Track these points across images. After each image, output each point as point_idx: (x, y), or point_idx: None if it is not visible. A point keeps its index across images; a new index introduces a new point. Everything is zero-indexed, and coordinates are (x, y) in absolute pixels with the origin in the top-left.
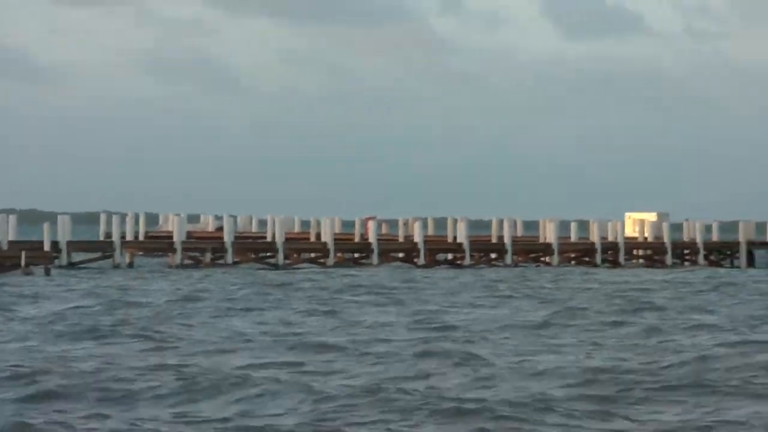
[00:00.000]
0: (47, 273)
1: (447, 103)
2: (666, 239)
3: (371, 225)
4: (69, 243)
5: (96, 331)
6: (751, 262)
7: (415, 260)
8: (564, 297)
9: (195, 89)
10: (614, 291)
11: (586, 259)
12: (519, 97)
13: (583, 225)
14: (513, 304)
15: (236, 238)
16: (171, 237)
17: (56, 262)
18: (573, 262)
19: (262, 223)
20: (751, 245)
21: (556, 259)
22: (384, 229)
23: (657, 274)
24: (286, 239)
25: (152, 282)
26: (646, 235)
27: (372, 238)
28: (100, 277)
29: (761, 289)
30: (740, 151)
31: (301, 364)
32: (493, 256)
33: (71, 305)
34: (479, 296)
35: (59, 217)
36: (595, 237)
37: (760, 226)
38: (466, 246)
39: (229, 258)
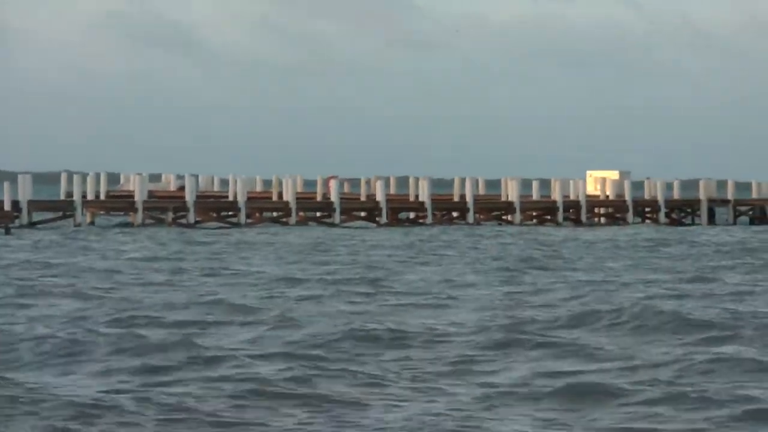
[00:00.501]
0: (7, 232)
1: (413, 64)
2: (627, 197)
3: (333, 184)
4: (30, 202)
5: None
6: (711, 219)
7: (377, 219)
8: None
9: (158, 50)
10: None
11: (548, 217)
12: (482, 58)
13: (545, 183)
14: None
15: (198, 197)
16: (132, 196)
17: (17, 221)
18: (535, 221)
19: (224, 182)
20: (712, 203)
21: (518, 217)
22: (346, 188)
23: (602, 232)
24: (248, 198)
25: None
26: (607, 193)
27: (334, 197)
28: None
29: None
30: (701, 110)
31: None
32: (455, 214)
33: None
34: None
35: (20, 176)
36: (557, 195)
37: (721, 184)
38: (428, 205)
39: (191, 217)
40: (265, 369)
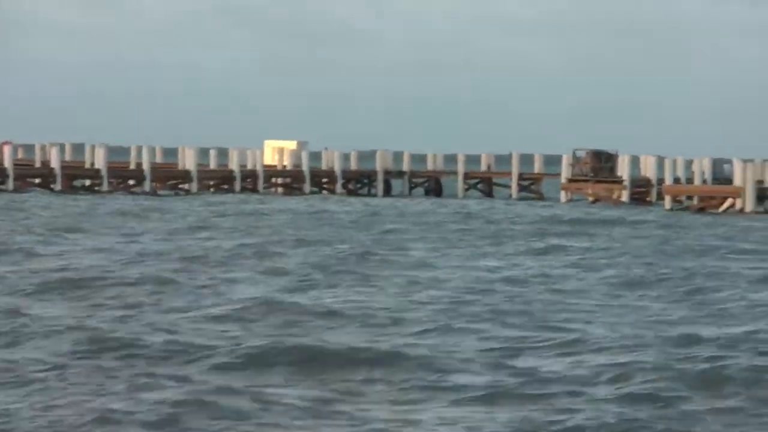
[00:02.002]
0: None
1: (91, 32)
2: (305, 167)
3: (7, 150)
4: None
5: None
6: (387, 190)
7: (52, 186)
8: None
9: None
10: None
11: (225, 186)
12: (162, 22)
13: (224, 153)
14: None
15: None
16: None
17: None
18: (212, 190)
19: None
20: (388, 174)
21: (195, 186)
22: (20, 154)
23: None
24: None
25: None
26: (285, 163)
27: (8, 163)
28: None
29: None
30: (380, 82)
31: None
32: (131, 182)
33: None
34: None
35: None
36: (234, 165)
37: (397, 155)
38: (104, 173)
39: None
40: None
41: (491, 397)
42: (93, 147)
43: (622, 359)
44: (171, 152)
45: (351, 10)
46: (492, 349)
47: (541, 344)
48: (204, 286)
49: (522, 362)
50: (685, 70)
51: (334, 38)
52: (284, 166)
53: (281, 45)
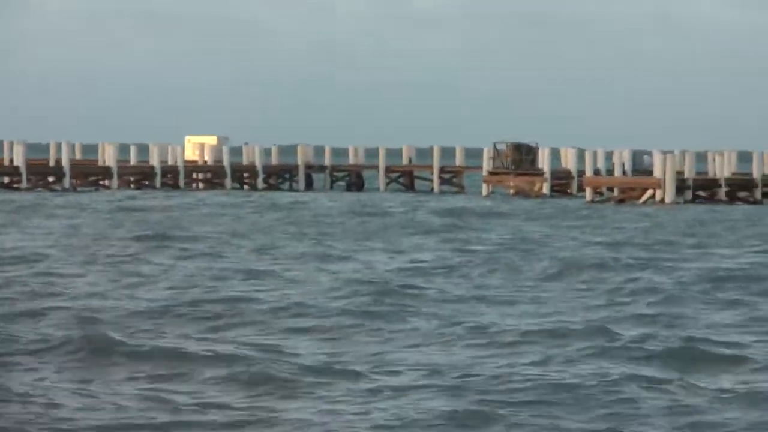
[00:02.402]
0: None
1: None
2: (225, 163)
3: None
4: None
5: None
6: (309, 185)
7: None
8: None
9: None
10: None
11: (146, 182)
12: (80, 20)
13: (144, 149)
14: None
15: None
16: None
17: None
18: (132, 186)
19: None
20: (309, 168)
21: (115, 182)
22: None
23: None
24: None
25: None
26: (206, 158)
27: None
28: None
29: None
30: (297, 76)
31: None
32: (51, 179)
33: None
34: None
35: None
36: (154, 160)
37: (318, 150)
38: (23, 169)
39: None
40: None
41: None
42: (11, 144)
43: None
44: (91, 148)
45: (265, 6)
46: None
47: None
48: None
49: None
50: (600, 63)
51: (248, 34)
52: (205, 162)
53: (200, 40)
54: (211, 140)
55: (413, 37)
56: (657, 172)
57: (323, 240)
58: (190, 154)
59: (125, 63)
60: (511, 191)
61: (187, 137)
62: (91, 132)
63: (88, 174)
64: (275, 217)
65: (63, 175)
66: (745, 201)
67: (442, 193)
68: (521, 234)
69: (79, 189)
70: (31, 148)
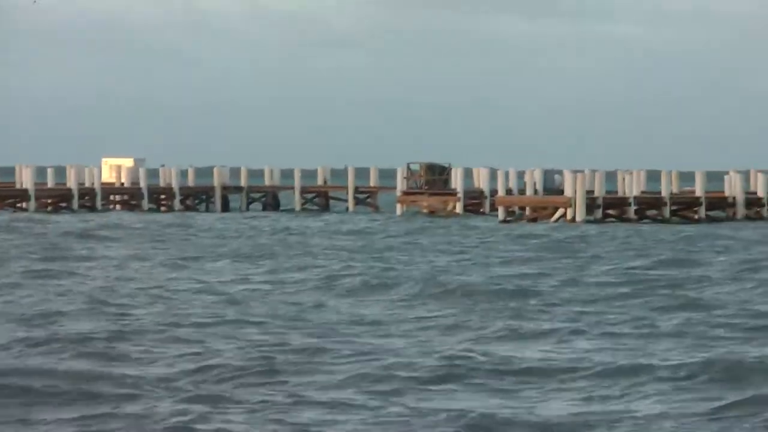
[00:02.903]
0: None
1: None
2: (142, 184)
3: None
4: None
5: None
6: (225, 206)
7: None
8: None
9: None
10: None
11: (64, 204)
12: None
13: (61, 171)
14: None
15: None
16: None
17: None
18: (50, 208)
19: None
20: (225, 190)
21: (33, 205)
22: None
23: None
24: None
25: None
26: (123, 180)
27: None
28: None
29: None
30: (211, 101)
31: None
32: None
33: None
34: None
35: None
36: (72, 182)
37: (234, 171)
38: None
39: None
40: None
41: None
42: None
43: None
44: (8, 171)
45: (178, 32)
46: None
47: None
48: None
49: None
50: (513, 82)
51: (165, 59)
52: (122, 184)
53: (117, 65)
54: (128, 162)
55: (326, 57)
56: (568, 192)
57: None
58: (107, 176)
59: (42, 84)
60: (425, 210)
61: (104, 159)
62: (7, 155)
63: (6, 197)
64: None
65: None
66: (654, 219)
67: (357, 212)
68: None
69: None
70: None
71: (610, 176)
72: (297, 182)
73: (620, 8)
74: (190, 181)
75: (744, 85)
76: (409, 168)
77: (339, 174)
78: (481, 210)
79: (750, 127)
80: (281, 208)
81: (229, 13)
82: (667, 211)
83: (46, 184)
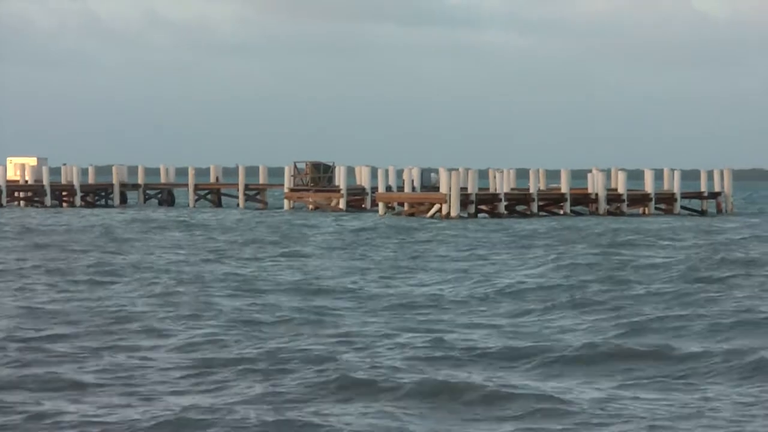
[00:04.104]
0: None
1: None
2: (45, 182)
3: None
4: None
5: None
6: (124, 202)
7: None
8: None
9: None
10: None
11: None
12: None
13: None
14: None
15: None
16: None
17: None
18: None
19: None
20: (124, 187)
21: None
22: None
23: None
24: None
25: None
26: (27, 178)
27: None
28: None
29: None
30: (110, 102)
31: None
32: None
33: None
34: None
35: None
36: None
37: (132, 169)
38: None
39: None
40: None
41: None
42: None
43: None
44: None
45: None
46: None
47: None
48: None
49: None
50: (392, 87)
51: (67, 63)
52: (26, 181)
53: (21, 68)
54: (32, 161)
55: (218, 62)
56: (443, 188)
57: None
58: (12, 174)
59: None
60: (311, 207)
61: (8, 158)
62: None
63: None
64: None
65: None
66: (523, 214)
67: (247, 208)
68: None
69: None
70: None
71: (483, 174)
72: (191, 180)
73: (487, 17)
74: (91, 179)
75: (602, 90)
76: (295, 166)
77: (230, 172)
78: (363, 206)
79: (611, 129)
80: (176, 204)
81: (129, 20)
82: (535, 206)
83: None
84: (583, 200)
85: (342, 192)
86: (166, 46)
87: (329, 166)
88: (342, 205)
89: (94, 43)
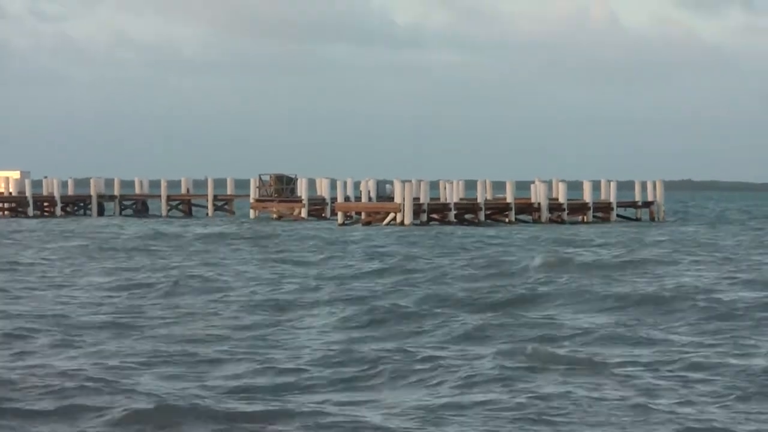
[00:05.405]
0: None
1: None
2: (28, 194)
3: None
4: None
5: None
6: (101, 212)
7: None
8: None
9: None
10: None
11: None
12: None
13: None
14: None
15: None
16: None
17: None
18: None
19: None
20: (101, 198)
21: None
22: None
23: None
24: None
25: None
26: (11, 190)
27: None
28: None
29: None
30: (88, 117)
31: None
32: None
33: None
34: None
35: None
36: None
37: (108, 182)
38: None
39: None
40: None
41: None
42: None
43: None
44: None
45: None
46: None
47: None
48: None
49: None
50: (347, 102)
51: (47, 82)
52: (10, 193)
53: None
54: (15, 174)
55: (183, 79)
56: (397, 198)
57: None
58: None
59: None
60: (275, 216)
61: None
62: None
63: None
64: None
65: None
66: (471, 222)
67: (215, 218)
68: None
69: None
70: None
71: (434, 185)
72: (163, 191)
73: (432, 38)
74: (70, 191)
75: (543, 106)
76: (260, 179)
77: (200, 184)
78: (323, 215)
79: (552, 142)
80: (150, 213)
81: (98, 40)
82: (482, 215)
83: None
84: (526, 209)
85: (304, 202)
86: (135, 65)
87: (292, 178)
88: (304, 214)
89: (65, 62)
